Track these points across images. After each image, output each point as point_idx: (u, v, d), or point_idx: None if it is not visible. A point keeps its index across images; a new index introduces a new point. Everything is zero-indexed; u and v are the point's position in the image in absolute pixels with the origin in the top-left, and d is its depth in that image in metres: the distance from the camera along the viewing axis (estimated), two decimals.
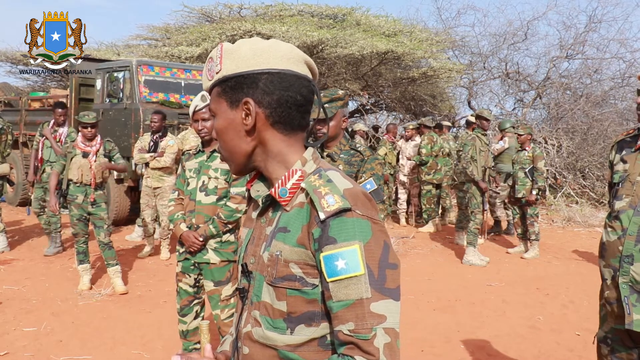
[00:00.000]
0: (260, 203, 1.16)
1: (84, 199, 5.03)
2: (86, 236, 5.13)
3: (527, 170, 6.90)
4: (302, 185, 1.08)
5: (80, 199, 5.03)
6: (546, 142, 12.06)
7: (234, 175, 2.30)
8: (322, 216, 1.01)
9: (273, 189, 1.12)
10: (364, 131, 8.47)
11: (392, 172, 8.92)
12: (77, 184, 5.04)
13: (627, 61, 13.43)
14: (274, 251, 1.08)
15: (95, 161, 5.08)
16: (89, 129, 5.07)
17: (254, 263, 1.15)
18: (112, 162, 5.26)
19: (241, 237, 1.25)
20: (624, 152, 2.20)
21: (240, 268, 1.19)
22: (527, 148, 6.99)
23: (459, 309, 4.94)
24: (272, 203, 1.15)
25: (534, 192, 6.81)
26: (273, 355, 1.08)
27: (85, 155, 5.07)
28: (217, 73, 1.13)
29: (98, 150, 5.13)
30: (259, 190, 1.18)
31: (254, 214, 1.20)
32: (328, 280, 1.02)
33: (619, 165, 2.19)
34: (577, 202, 11.09)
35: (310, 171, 1.12)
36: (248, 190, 1.22)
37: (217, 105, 1.15)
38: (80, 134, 5.15)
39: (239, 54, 1.10)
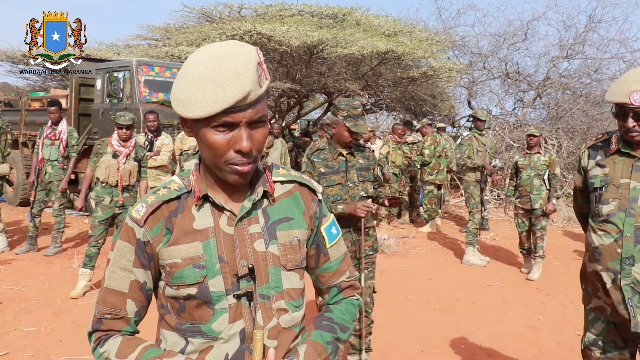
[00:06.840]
0: (250, 204, 1.14)
1: (111, 201, 4.94)
2: (100, 242, 4.94)
3: (544, 177, 5.96)
4: (283, 178, 1.21)
5: (107, 200, 4.93)
6: (546, 142, 12.06)
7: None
8: (320, 197, 1.25)
9: (270, 185, 1.19)
10: None
11: (396, 172, 8.89)
12: (104, 184, 4.95)
13: (627, 61, 13.44)
14: (287, 240, 1.17)
15: (124, 163, 4.98)
16: (125, 130, 4.96)
17: (246, 265, 1.12)
18: (140, 170, 5.13)
19: (189, 254, 1.11)
20: (598, 157, 2.23)
21: (235, 276, 1.12)
22: (540, 152, 6.01)
23: (459, 309, 4.94)
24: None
25: (554, 202, 5.99)
26: (293, 335, 1.18)
27: (115, 155, 4.98)
28: (266, 80, 1.08)
29: (130, 154, 5.03)
30: (221, 198, 1.15)
31: (227, 223, 1.14)
32: (329, 245, 1.26)
33: (595, 170, 2.22)
34: None
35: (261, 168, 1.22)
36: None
37: (265, 113, 1.09)
38: (115, 134, 5.05)
39: None
